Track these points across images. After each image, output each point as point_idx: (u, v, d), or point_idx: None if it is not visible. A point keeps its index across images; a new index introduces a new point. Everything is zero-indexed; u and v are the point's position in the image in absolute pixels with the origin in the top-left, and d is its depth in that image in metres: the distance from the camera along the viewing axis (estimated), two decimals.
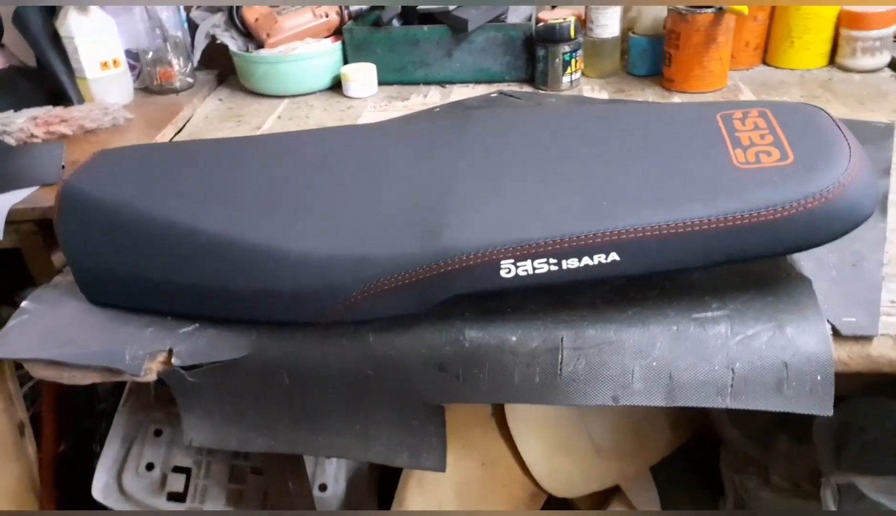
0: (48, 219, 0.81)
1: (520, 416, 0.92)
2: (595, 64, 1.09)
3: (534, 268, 0.52)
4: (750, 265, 0.59)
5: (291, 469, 0.78)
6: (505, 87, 1.09)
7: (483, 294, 0.54)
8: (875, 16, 1.01)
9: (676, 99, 1.01)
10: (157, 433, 0.95)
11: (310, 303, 0.57)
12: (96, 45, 1.06)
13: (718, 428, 0.94)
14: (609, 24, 1.06)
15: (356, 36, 1.12)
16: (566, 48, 1.03)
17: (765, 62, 1.11)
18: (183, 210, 0.60)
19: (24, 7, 1.04)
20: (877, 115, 0.90)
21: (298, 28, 1.12)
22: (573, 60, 1.04)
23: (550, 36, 1.02)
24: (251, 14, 1.11)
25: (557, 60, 1.03)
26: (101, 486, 0.93)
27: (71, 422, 1.02)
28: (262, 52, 1.11)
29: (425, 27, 1.09)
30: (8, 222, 0.80)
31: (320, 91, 1.14)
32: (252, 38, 1.13)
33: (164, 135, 1.00)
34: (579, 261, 0.51)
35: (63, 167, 0.88)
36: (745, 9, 0.95)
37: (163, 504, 0.93)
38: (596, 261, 0.51)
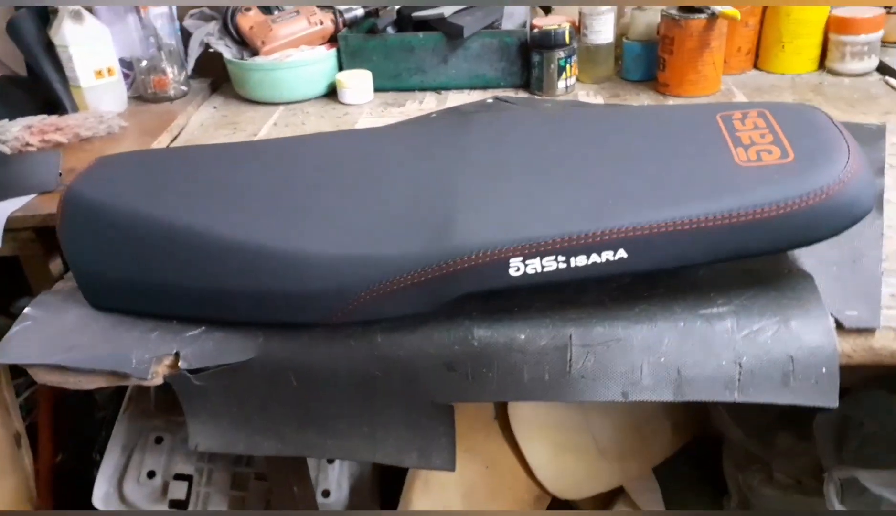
0: (47, 227, 0.81)
1: (523, 419, 0.92)
2: (590, 69, 1.11)
3: (542, 266, 0.52)
4: (753, 262, 0.60)
5: (296, 474, 0.78)
6: (500, 92, 1.10)
7: (492, 292, 0.54)
8: (863, 21, 1.03)
9: (671, 103, 1.03)
10: (158, 440, 0.95)
11: (317, 305, 0.56)
12: (90, 53, 1.05)
13: (720, 426, 0.95)
14: (603, 29, 1.07)
15: (351, 43, 1.12)
16: (561, 54, 1.04)
17: (756, 67, 1.13)
18: (187, 213, 0.60)
19: (18, 17, 1.03)
20: (868, 117, 0.92)
21: (293, 35, 1.12)
22: (568, 66, 1.05)
23: (545, 42, 1.03)
24: (246, 22, 1.11)
25: (552, 66, 1.04)
26: (101, 494, 0.92)
27: (68, 432, 1.01)
28: (258, 59, 1.11)
29: (420, 34, 1.09)
30: (6, 230, 0.80)
31: (315, 98, 1.14)
32: (246, 45, 1.13)
33: (159, 143, 1.00)
34: (587, 258, 0.52)
35: (60, 174, 0.88)
36: (737, 14, 0.97)
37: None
38: (604, 259, 0.52)
